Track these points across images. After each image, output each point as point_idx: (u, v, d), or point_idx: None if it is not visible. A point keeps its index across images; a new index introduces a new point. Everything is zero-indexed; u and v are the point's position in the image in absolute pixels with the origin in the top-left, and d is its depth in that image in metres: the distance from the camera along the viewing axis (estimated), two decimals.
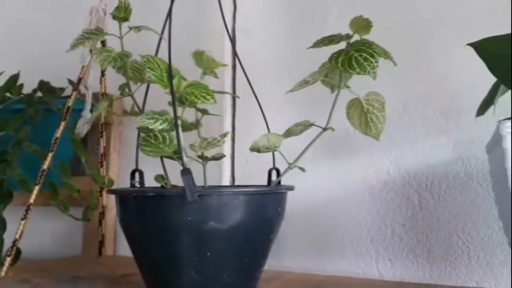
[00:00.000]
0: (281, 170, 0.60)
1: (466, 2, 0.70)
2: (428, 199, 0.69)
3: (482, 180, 0.66)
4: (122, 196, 0.54)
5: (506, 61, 0.50)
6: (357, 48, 0.50)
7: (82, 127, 0.77)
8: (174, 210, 0.49)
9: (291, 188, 0.58)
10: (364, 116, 0.53)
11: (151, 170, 0.56)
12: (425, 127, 0.71)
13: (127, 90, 0.65)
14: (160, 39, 0.59)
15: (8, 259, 0.69)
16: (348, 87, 0.55)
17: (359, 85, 0.55)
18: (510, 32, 0.50)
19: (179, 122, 0.51)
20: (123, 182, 0.89)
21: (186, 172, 0.46)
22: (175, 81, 0.51)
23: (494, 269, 0.64)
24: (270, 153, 0.61)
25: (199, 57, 0.61)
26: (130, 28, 0.60)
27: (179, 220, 0.48)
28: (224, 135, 0.53)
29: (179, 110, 0.54)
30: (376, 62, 0.49)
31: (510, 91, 0.53)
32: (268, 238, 0.53)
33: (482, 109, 0.59)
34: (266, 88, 0.65)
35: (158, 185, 0.54)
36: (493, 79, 0.57)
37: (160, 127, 0.51)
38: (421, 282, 0.67)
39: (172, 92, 0.49)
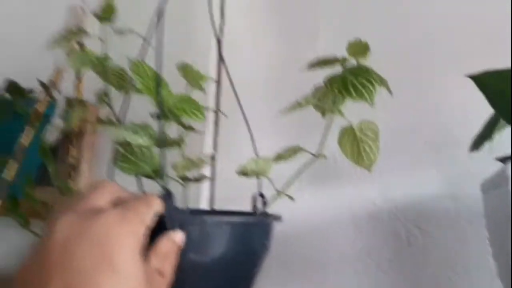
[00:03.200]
0: (265, 195, 0.56)
1: (460, 32, 0.68)
2: (416, 234, 0.66)
3: (472, 218, 0.64)
4: None
5: (508, 96, 0.48)
6: (354, 73, 0.48)
7: (52, 135, 0.71)
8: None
9: (279, 218, 0.53)
10: (357, 145, 0.51)
11: (125, 186, 0.51)
12: (415, 159, 0.69)
13: (105, 98, 0.60)
14: (144, 44, 0.55)
15: None
16: (340, 112, 0.52)
17: (347, 112, 0.52)
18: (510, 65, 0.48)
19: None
20: None
21: (168, 197, 0.41)
22: (163, 93, 0.46)
23: None
24: (252, 179, 0.57)
25: (185, 69, 0.57)
26: (114, 31, 0.56)
27: None
28: (212, 157, 0.49)
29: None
30: (375, 89, 0.47)
31: (508, 126, 0.51)
32: (252, 272, 0.48)
33: (477, 144, 0.58)
34: (251, 109, 0.62)
35: None
36: (487, 113, 0.56)
37: (141, 141, 0.46)
38: None
39: (160, 104, 0.45)
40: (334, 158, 0.72)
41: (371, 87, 0.47)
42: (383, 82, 0.52)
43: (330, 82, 0.48)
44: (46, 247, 0.34)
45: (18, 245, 0.94)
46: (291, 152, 0.55)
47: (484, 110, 0.54)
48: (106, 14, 0.55)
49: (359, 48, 0.51)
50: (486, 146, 0.56)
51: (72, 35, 0.59)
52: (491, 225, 0.53)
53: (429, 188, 0.67)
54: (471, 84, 0.47)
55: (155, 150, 0.48)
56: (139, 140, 0.46)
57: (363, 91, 0.46)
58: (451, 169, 0.66)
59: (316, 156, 0.52)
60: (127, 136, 0.46)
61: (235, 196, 0.77)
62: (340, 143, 0.52)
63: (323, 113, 0.56)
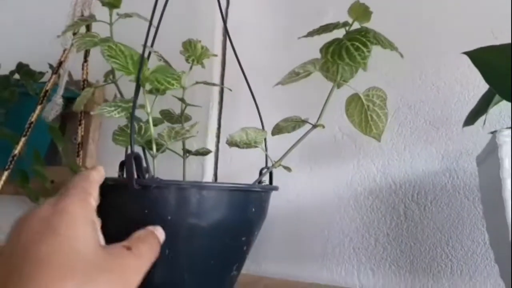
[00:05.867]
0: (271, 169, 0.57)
1: (459, 10, 0.69)
2: (413, 209, 0.68)
3: (469, 193, 0.65)
4: None
5: (503, 71, 0.49)
6: (351, 37, 0.46)
7: (50, 112, 0.73)
8: (131, 201, 0.44)
9: (274, 188, 0.55)
10: (364, 113, 0.49)
11: None
12: (415, 136, 0.70)
13: (111, 77, 0.62)
14: (149, 27, 0.56)
15: None
16: (344, 81, 0.52)
17: (353, 84, 0.52)
18: (508, 42, 0.49)
19: (149, 110, 0.48)
20: None
21: (128, 158, 0.42)
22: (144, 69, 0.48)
23: (477, 285, 0.62)
24: (260, 154, 0.58)
25: (190, 46, 0.58)
26: (119, 15, 0.58)
27: (137, 213, 0.44)
28: (193, 125, 0.50)
29: (152, 98, 0.52)
30: (368, 51, 0.45)
31: (503, 101, 0.51)
32: (239, 239, 0.48)
33: (471, 119, 0.58)
34: (255, 87, 0.63)
35: None
36: (484, 91, 0.57)
37: (118, 116, 0.48)
38: None
39: (137, 79, 0.46)
40: (335, 136, 0.74)
41: (364, 50, 0.45)
42: (391, 45, 0.50)
43: (326, 48, 0.47)
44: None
45: None
46: (293, 123, 0.55)
47: (483, 88, 0.55)
48: (113, 1, 0.56)
49: (360, 10, 0.48)
50: (479, 123, 0.56)
51: (84, 22, 0.60)
52: (485, 196, 0.54)
53: (428, 165, 0.68)
54: (470, 63, 0.48)
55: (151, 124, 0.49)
56: (116, 114, 0.47)
57: (356, 54, 0.45)
58: (450, 146, 0.67)
59: (315, 125, 0.52)
60: (105, 111, 0.47)
61: (242, 172, 0.79)
62: (347, 111, 0.50)
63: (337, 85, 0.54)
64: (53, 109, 0.74)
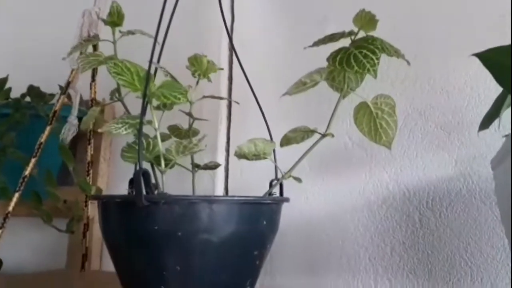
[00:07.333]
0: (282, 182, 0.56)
1: (468, 14, 0.68)
2: (429, 216, 0.66)
3: (485, 198, 0.63)
4: (104, 203, 0.50)
5: None
6: (358, 45, 0.46)
7: (67, 133, 0.73)
8: (141, 218, 0.44)
9: (285, 200, 0.54)
10: (373, 122, 0.49)
11: None
12: (426, 142, 0.69)
13: (116, 95, 0.62)
14: (155, 43, 0.57)
15: None
16: (352, 90, 0.51)
17: (361, 92, 0.52)
18: None
19: (156, 126, 0.48)
20: (113, 193, 0.86)
21: (137, 174, 0.42)
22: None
23: None
24: (270, 166, 0.58)
25: (196, 61, 0.59)
26: (121, 33, 0.58)
27: (146, 230, 0.44)
28: (201, 139, 0.50)
29: (159, 114, 0.51)
30: (377, 59, 0.44)
31: None
32: (251, 254, 0.48)
33: (486, 123, 0.57)
34: (262, 99, 0.63)
35: None
36: (496, 93, 0.56)
37: (125, 132, 0.48)
38: None
39: (144, 95, 0.46)
40: (345, 145, 0.73)
41: (373, 57, 0.44)
42: (398, 53, 0.50)
43: (333, 56, 0.46)
44: None
45: (40, 245, 0.98)
46: (302, 133, 0.54)
47: (494, 91, 0.54)
48: (115, 20, 0.57)
49: (366, 19, 0.48)
50: (494, 126, 0.55)
51: (88, 42, 0.61)
52: (501, 201, 0.52)
53: (441, 170, 0.67)
54: (480, 66, 0.47)
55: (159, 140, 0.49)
56: (123, 131, 0.47)
57: (365, 61, 0.44)
58: (462, 150, 0.66)
59: (324, 135, 0.52)
60: (113, 128, 0.47)
61: (253, 186, 0.78)
62: (356, 120, 0.50)
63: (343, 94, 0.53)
64: (69, 130, 0.75)
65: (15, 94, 0.84)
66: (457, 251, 0.64)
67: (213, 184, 0.79)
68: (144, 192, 0.42)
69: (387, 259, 0.68)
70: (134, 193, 0.43)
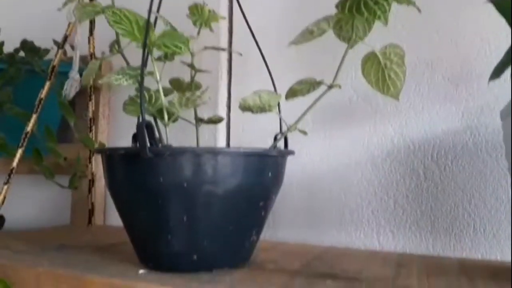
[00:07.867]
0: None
1: None
2: (433, 170, 0.66)
3: (491, 150, 0.63)
4: (108, 156, 0.49)
5: None
6: None
7: (70, 89, 0.72)
8: (145, 170, 0.43)
9: (290, 152, 0.53)
10: (382, 72, 0.47)
11: None
12: (433, 94, 0.67)
13: (116, 47, 0.60)
14: None
15: None
16: (361, 39, 0.49)
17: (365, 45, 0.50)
18: None
19: (158, 77, 0.46)
20: None
21: (140, 126, 0.41)
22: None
23: (501, 242, 0.61)
24: (271, 123, 0.57)
25: (196, 10, 0.56)
26: None
27: (151, 182, 0.43)
28: (204, 91, 0.48)
29: (160, 66, 0.50)
30: (388, 5, 0.43)
31: None
32: (257, 204, 0.48)
33: (497, 72, 0.55)
34: (265, 50, 0.60)
35: None
36: (507, 44, 0.54)
37: (126, 83, 0.46)
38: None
39: (144, 45, 0.44)
40: (349, 98, 0.72)
41: (384, 4, 0.43)
42: (409, 0, 0.47)
43: (342, 3, 0.44)
44: None
45: (45, 202, 0.98)
46: (308, 85, 0.53)
47: (505, 42, 0.52)
48: None
49: None
50: (505, 76, 0.54)
51: None
52: (508, 150, 0.52)
53: (448, 123, 0.66)
54: (490, 15, 0.45)
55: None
56: (124, 82, 0.46)
57: (375, 8, 0.43)
58: (470, 102, 0.65)
59: (331, 86, 0.50)
60: (113, 79, 0.46)
61: (256, 141, 0.77)
62: (363, 71, 0.48)
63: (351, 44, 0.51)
64: (72, 86, 0.73)
65: (8, 49, 0.82)
66: (461, 203, 0.64)
67: (215, 140, 0.78)
68: (148, 144, 0.41)
69: (390, 211, 0.68)
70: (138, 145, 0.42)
